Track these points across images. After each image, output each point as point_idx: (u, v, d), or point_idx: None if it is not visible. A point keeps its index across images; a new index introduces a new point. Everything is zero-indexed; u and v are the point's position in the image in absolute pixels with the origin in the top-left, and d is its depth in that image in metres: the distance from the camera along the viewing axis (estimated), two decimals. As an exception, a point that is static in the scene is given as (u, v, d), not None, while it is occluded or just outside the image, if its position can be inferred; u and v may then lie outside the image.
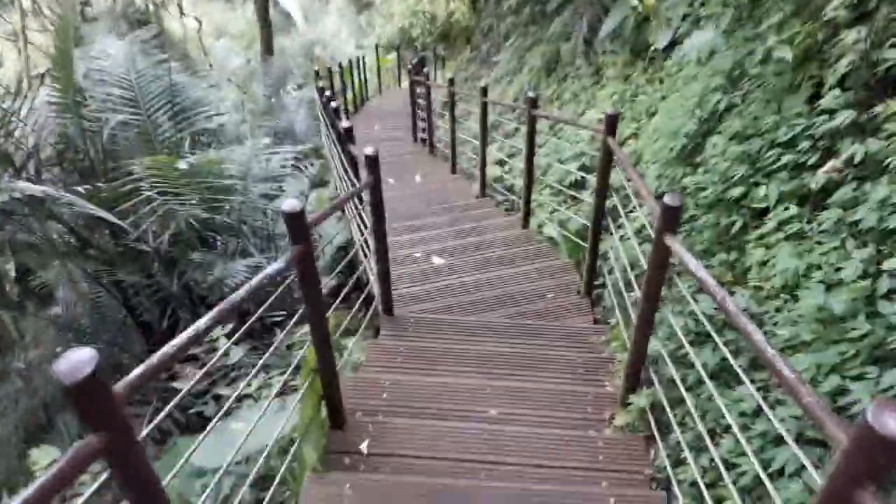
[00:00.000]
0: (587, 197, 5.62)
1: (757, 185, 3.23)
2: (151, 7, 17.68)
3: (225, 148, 7.76)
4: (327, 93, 7.54)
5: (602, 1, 7.34)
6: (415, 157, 9.34)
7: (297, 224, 2.40)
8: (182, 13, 21.98)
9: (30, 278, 7.25)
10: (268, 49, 17.32)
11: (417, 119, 10.15)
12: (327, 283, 3.50)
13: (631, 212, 4.68)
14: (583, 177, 5.89)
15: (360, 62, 15.67)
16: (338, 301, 3.57)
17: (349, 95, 14.62)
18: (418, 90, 9.77)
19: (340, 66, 13.50)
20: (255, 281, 2.03)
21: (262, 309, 2.46)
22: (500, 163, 7.46)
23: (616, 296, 3.98)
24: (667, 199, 2.43)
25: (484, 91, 6.24)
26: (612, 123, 3.66)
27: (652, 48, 6.33)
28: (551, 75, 8.89)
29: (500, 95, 10.05)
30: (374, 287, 4.19)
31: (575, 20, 8.01)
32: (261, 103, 15.17)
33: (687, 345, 2.61)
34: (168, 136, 7.09)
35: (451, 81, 7.58)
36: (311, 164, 11.74)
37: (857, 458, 1.14)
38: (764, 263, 3.01)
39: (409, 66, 10.53)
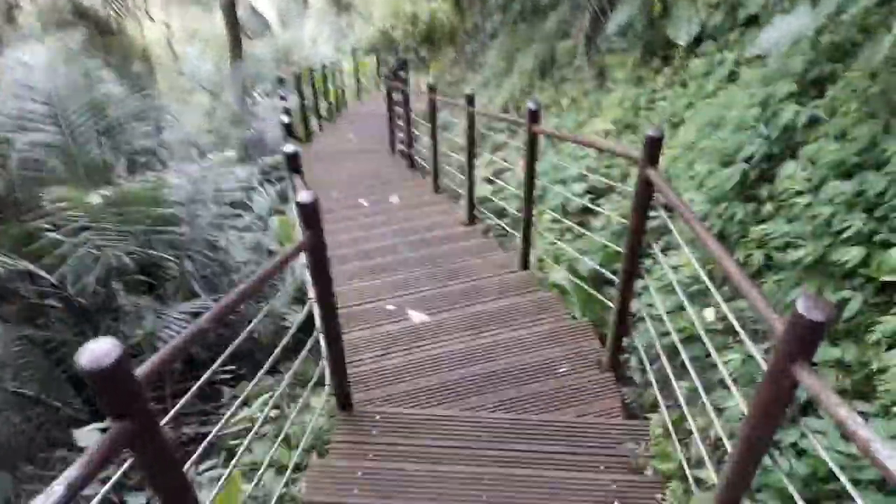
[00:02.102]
0: (598, 227, 4.53)
1: (886, 245, 2.15)
2: (111, 12, 16.37)
3: (169, 168, 6.60)
4: (283, 103, 6.40)
5: (607, -9, 6.28)
6: (392, 173, 8.21)
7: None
8: (150, 17, 20.70)
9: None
10: (236, 53, 16.12)
11: (395, 129, 9.03)
12: (283, 344, 2.43)
13: (665, 250, 3.60)
14: (592, 201, 4.81)
15: (335, 66, 14.54)
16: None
17: (323, 102, 13.46)
18: (395, 97, 8.66)
19: (311, 71, 12.34)
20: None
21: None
22: (490, 181, 6.36)
23: (656, 377, 2.90)
24: (804, 308, 1.34)
25: (470, 100, 5.14)
26: (654, 150, 2.57)
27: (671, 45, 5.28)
28: (546, 78, 7.81)
29: (488, 101, 8.96)
30: (326, 372, 3.07)
31: (574, 14, 6.94)
32: (229, 111, 14.02)
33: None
34: (94, 159, 5.91)
35: (432, 88, 6.47)
36: (281, 179, 10.60)
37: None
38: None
39: (385, 71, 9.42)
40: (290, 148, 3.42)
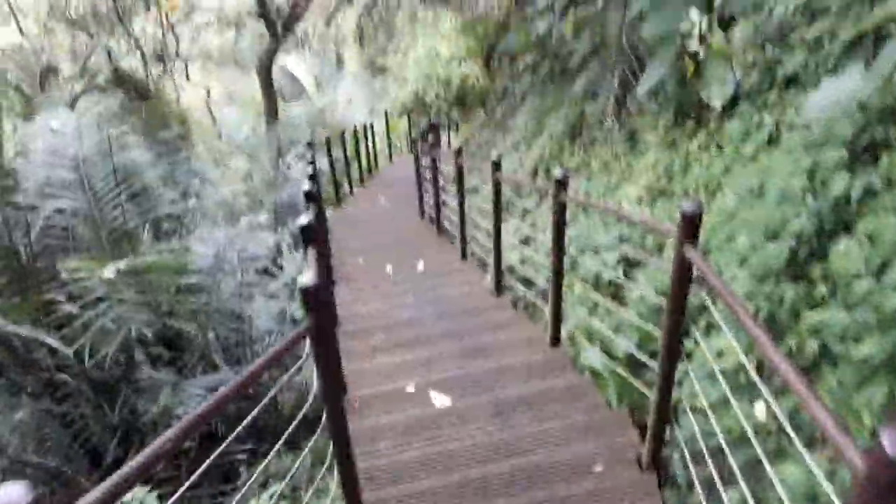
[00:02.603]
0: (634, 299, 4.24)
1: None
2: (153, 76, 17.01)
3: (192, 235, 6.56)
4: (307, 168, 6.34)
5: (637, 52, 6.13)
6: (419, 238, 8.07)
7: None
8: (188, 79, 21.45)
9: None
10: (272, 117, 16.49)
11: (424, 193, 8.94)
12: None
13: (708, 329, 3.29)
14: (627, 272, 4.53)
15: (370, 129, 14.71)
16: None
17: (355, 165, 13.56)
18: (423, 161, 8.59)
19: (343, 134, 12.47)
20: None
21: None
22: (518, 247, 6.14)
23: (702, 480, 2.57)
24: (892, 447, 1.07)
25: (496, 165, 4.97)
26: (691, 226, 2.32)
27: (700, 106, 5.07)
28: (575, 140, 7.64)
29: (518, 164, 8.82)
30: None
31: (603, 76, 6.81)
32: (265, 175, 14.21)
33: None
34: (119, 226, 5.89)
35: (459, 152, 6.35)
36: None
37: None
38: None
39: (414, 135, 9.41)
40: (303, 219, 3.27)
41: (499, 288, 5.42)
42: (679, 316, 2.52)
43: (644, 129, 6.06)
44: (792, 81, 4.23)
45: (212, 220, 7.59)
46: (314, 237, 3.32)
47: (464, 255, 6.71)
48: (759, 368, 2.76)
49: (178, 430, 1.47)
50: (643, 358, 3.18)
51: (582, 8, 7.54)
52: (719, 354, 3.03)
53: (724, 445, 2.30)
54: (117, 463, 5.27)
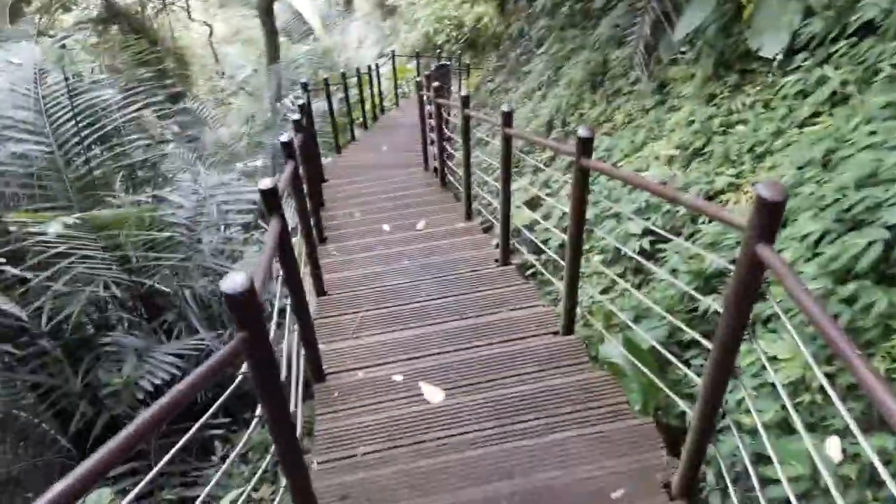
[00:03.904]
0: (661, 282, 3.67)
1: None
2: (149, 11, 16.08)
3: (169, 185, 5.97)
4: (294, 115, 5.68)
5: (672, -8, 5.38)
6: (422, 193, 7.44)
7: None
8: (190, 17, 20.46)
9: None
10: (273, 56, 15.64)
11: (429, 142, 8.27)
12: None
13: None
14: (652, 244, 3.95)
15: (374, 71, 13.88)
16: None
17: (358, 108, 12.82)
18: (428, 108, 7.90)
19: (344, 75, 11.70)
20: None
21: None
22: (528, 208, 5.54)
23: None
24: None
25: (507, 118, 4.31)
26: (772, 219, 1.70)
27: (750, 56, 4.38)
28: (597, 90, 6.94)
29: (532, 114, 8.12)
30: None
31: (631, 19, 6.05)
32: (263, 117, 13.50)
33: None
34: (85, 173, 5.30)
35: (466, 101, 5.66)
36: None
37: None
38: None
39: (419, 80, 8.68)
40: (266, 182, 2.67)
41: (505, 255, 4.84)
42: (739, 329, 1.94)
43: (677, 80, 5.37)
44: (868, 29, 3.54)
45: (193, 166, 6.96)
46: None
47: (468, 215, 6.11)
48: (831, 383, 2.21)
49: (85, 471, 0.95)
50: (674, 360, 2.62)
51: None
52: (774, 362, 2.48)
53: (785, 483, 1.77)
54: (80, 434, 4.81)
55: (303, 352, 3.10)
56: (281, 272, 2.85)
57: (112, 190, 5.54)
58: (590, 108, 6.73)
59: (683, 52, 5.45)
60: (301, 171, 4.74)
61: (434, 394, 3.19)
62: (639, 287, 3.94)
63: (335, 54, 24.39)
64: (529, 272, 5.07)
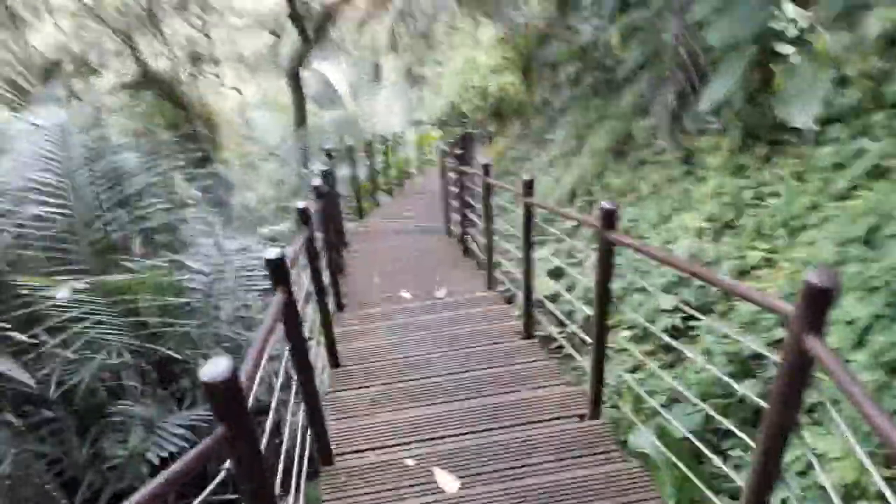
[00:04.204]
0: (692, 368, 3.44)
1: None
2: (182, 78, 16.66)
3: (188, 249, 5.93)
4: (316, 182, 5.66)
5: (696, 62, 5.33)
6: (443, 260, 7.33)
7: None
8: (221, 83, 21.18)
9: None
10: (300, 122, 16.01)
11: (450, 210, 8.23)
12: None
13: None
14: (684, 320, 3.74)
15: (399, 138, 14.10)
16: None
17: (383, 174, 12.94)
18: (451, 175, 7.89)
19: (370, 143, 11.86)
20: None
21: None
22: (553, 274, 5.37)
23: None
24: None
25: (527, 186, 4.21)
26: (820, 307, 1.53)
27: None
28: (621, 160, 6.86)
29: (555, 183, 8.05)
30: None
31: (656, 89, 6.01)
32: (291, 182, 13.71)
33: None
34: (102, 237, 5.29)
35: (487, 169, 5.61)
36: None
37: None
38: None
39: (442, 147, 8.72)
40: (272, 252, 2.55)
41: (528, 327, 4.65)
42: (787, 427, 1.73)
43: (704, 150, 5.26)
44: (906, 99, 3.41)
45: (215, 231, 6.94)
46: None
47: (490, 284, 5.96)
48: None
49: None
50: (711, 455, 2.39)
51: (632, 13, 6.77)
52: (822, 460, 2.24)
53: None
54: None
55: (309, 432, 2.92)
56: (287, 348, 2.71)
57: (129, 253, 5.51)
58: (614, 177, 6.64)
59: (710, 122, 5.36)
60: (319, 237, 4.68)
61: (449, 482, 2.96)
62: (672, 366, 3.71)
63: (362, 121, 24.97)
64: (554, 346, 4.86)
